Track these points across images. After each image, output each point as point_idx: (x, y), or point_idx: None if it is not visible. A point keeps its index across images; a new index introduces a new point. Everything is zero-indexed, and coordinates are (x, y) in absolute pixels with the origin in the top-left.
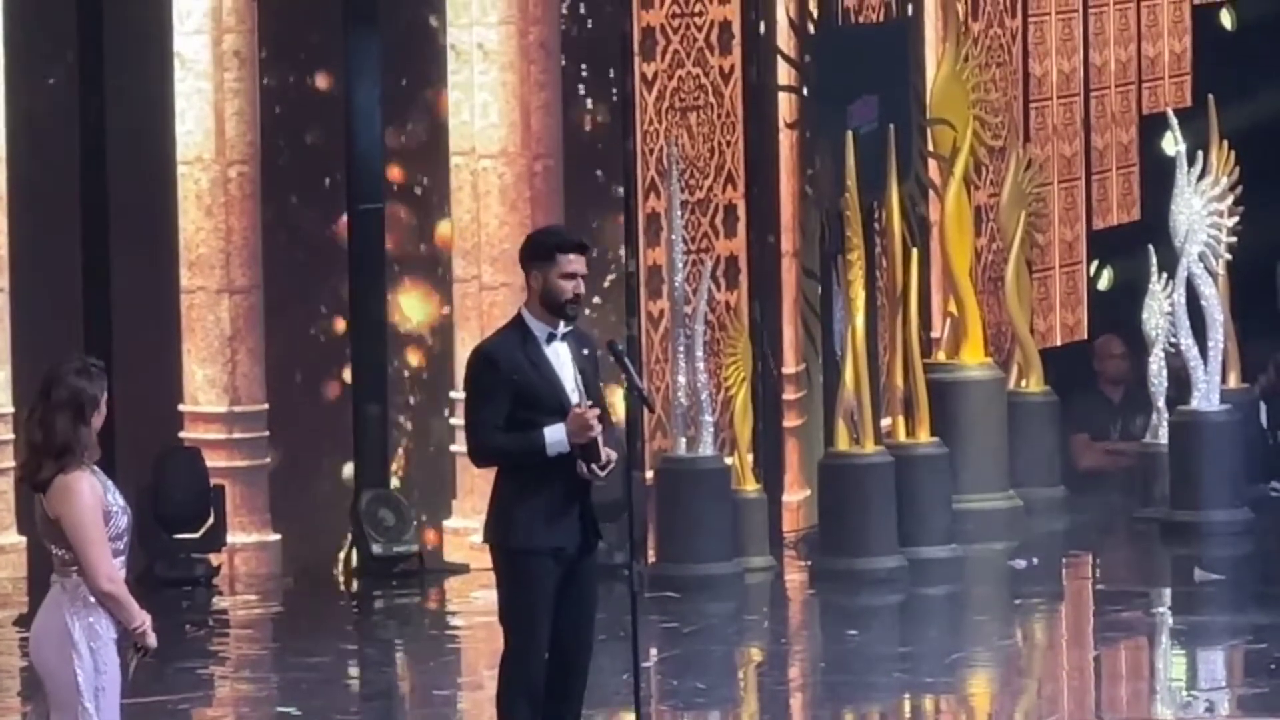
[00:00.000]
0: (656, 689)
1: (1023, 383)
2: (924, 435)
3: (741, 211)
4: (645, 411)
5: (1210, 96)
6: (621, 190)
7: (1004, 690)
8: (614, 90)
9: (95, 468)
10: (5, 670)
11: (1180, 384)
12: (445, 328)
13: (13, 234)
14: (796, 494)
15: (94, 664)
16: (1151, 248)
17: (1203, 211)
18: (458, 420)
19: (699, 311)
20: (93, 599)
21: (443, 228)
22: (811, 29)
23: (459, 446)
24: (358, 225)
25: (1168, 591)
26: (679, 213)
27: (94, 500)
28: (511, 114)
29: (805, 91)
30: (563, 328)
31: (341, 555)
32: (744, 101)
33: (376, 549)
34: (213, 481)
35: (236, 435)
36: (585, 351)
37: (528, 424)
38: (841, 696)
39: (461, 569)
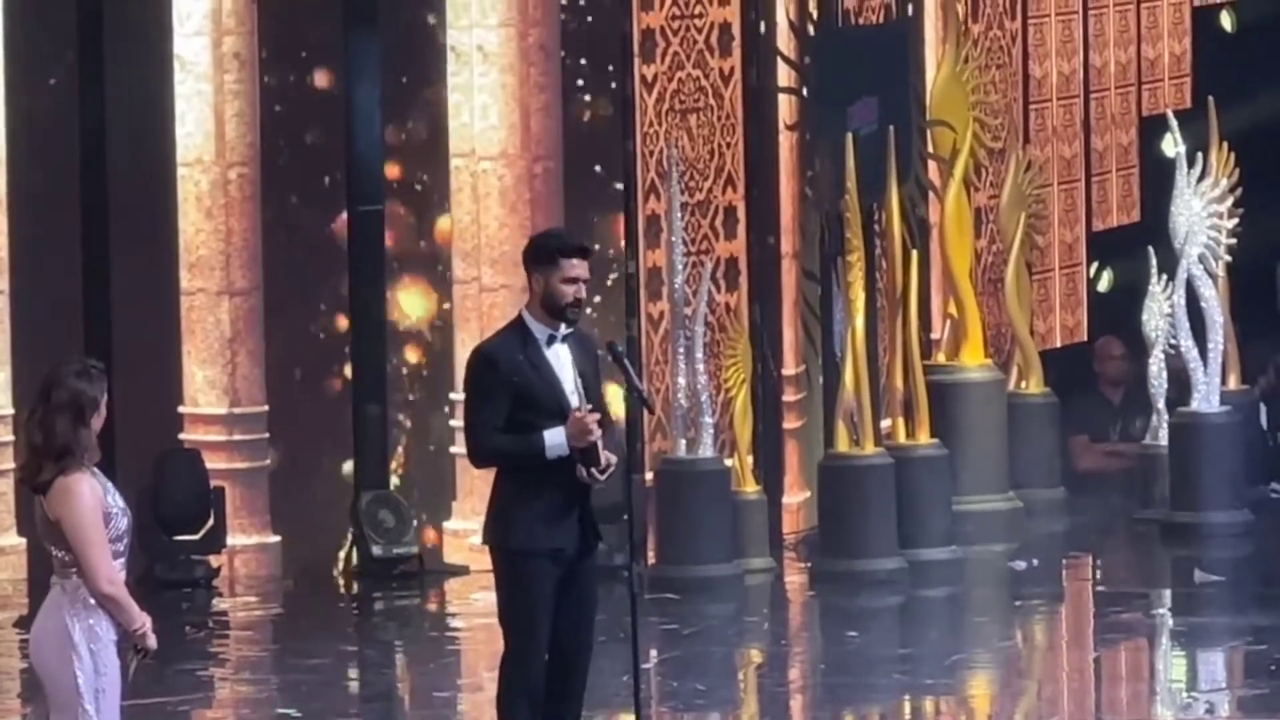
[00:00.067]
0: (656, 690)
1: (1022, 384)
2: (924, 437)
3: (741, 213)
4: (645, 413)
5: (1210, 98)
6: (620, 187)
7: (1004, 692)
8: (613, 84)
9: (95, 469)
10: (5, 672)
11: (1180, 385)
12: (445, 324)
13: (13, 236)
14: (796, 495)
15: (94, 666)
16: (1151, 249)
17: (1202, 213)
18: (458, 422)
19: (699, 313)
20: (93, 601)
21: (442, 223)
22: (811, 31)
23: (459, 448)
24: (357, 227)
25: (1168, 593)
26: (679, 214)
27: (94, 502)
28: (511, 116)
29: (805, 93)
30: (563, 330)
31: (341, 556)
32: (744, 103)
33: (376, 550)
34: (213, 483)
35: (236, 437)
36: (587, 354)
37: (527, 426)
38: (841, 698)
39: (461, 570)
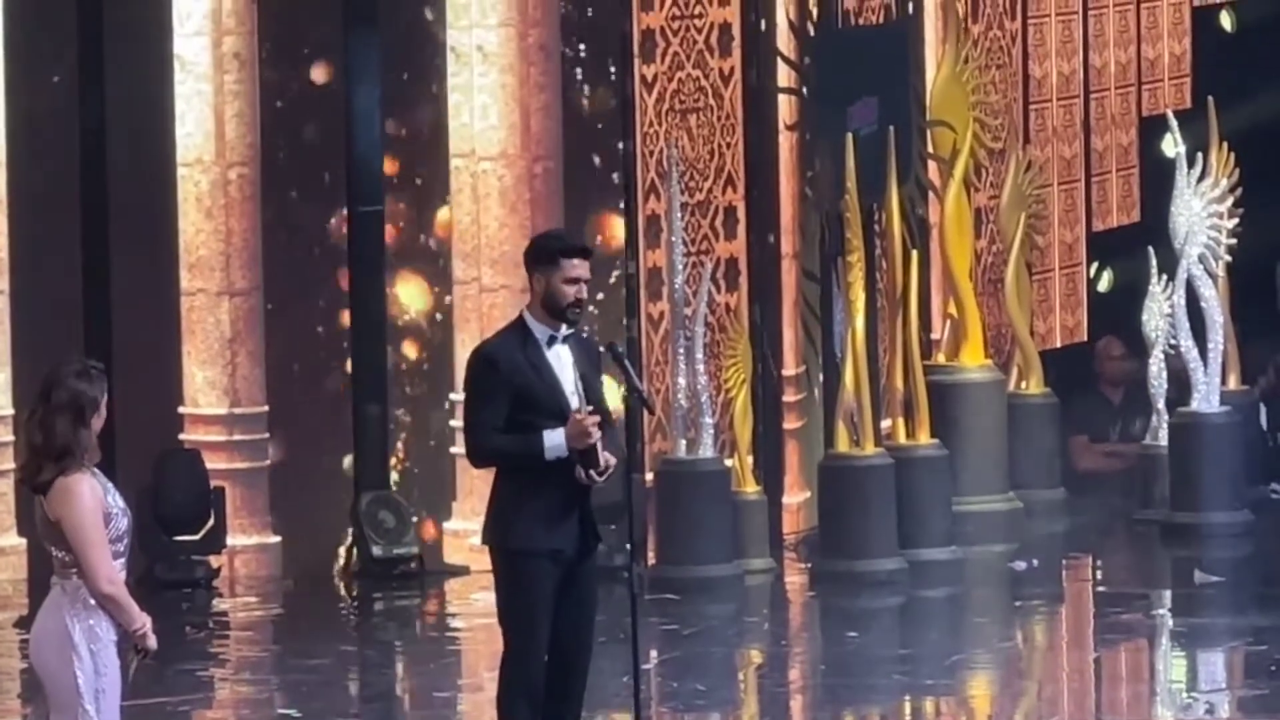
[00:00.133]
0: (656, 691)
1: (1022, 384)
2: (924, 437)
3: (741, 213)
4: (645, 414)
5: (1210, 98)
6: (616, 177)
7: (1004, 692)
8: (613, 70)
9: (95, 470)
10: (5, 672)
11: (1180, 386)
12: (444, 318)
13: (13, 236)
14: (796, 496)
15: (94, 666)
16: (1151, 249)
17: (1202, 213)
18: (458, 422)
19: (699, 313)
20: (93, 601)
21: (441, 215)
22: (811, 31)
23: (459, 449)
24: (357, 227)
25: (1168, 593)
26: (679, 215)
27: (94, 502)
28: (511, 116)
29: (805, 93)
30: (564, 331)
31: (341, 557)
32: (744, 103)
33: (376, 551)
34: (213, 483)
35: (236, 437)
36: (588, 355)
37: (526, 426)
38: (841, 699)
39: (461, 571)
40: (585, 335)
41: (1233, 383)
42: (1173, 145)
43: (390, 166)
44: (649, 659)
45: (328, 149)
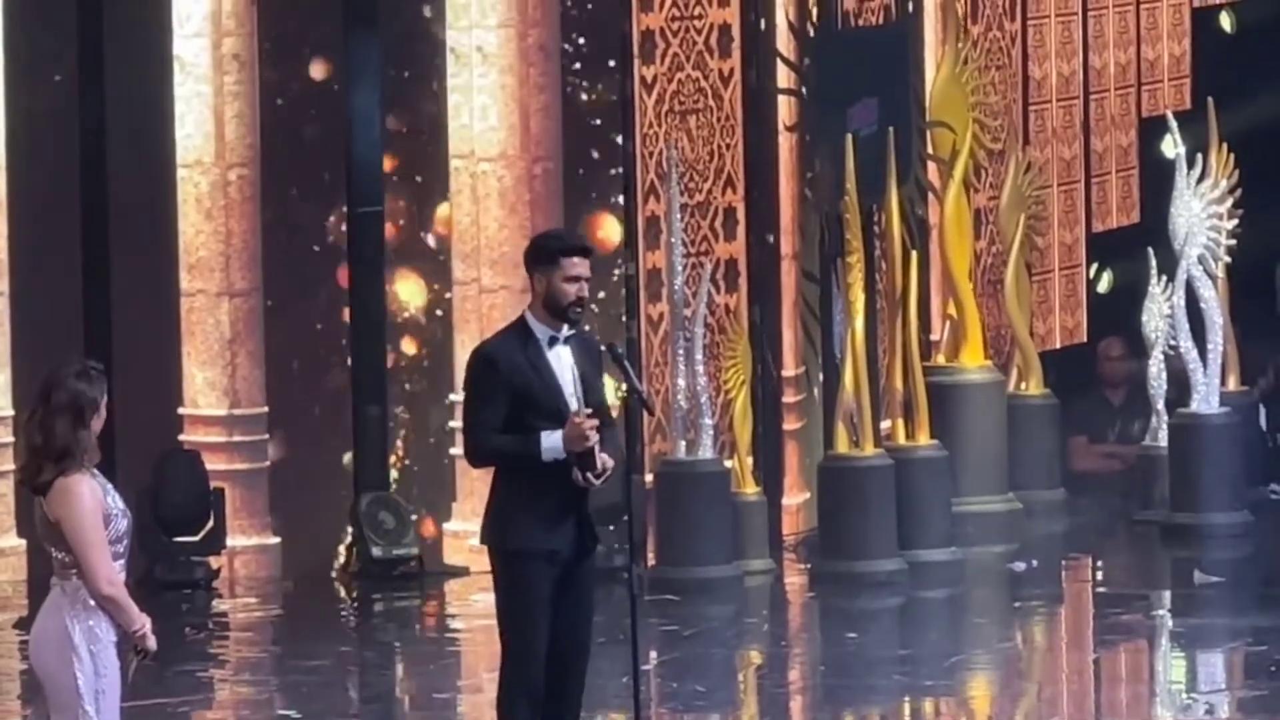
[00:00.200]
0: (656, 692)
1: (1022, 385)
2: (923, 438)
3: (741, 214)
4: (645, 415)
5: (1209, 99)
6: (614, 173)
7: (1004, 693)
8: (614, 60)
9: (95, 471)
10: (5, 673)
11: (1180, 387)
12: (444, 315)
13: (13, 237)
14: (796, 497)
15: (94, 667)
16: (1151, 250)
17: (1202, 214)
18: (458, 424)
19: (698, 314)
20: (93, 602)
21: (441, 211)
22: (811, 32)
23: (459, 450)
24: (357, 228)
25: (1167, 594)
26: (678, 216)
27: (94, 503)
28: (511, 117)
29: (805, 94)
30: (565, 331)
31: (341, 558)
32: (743, 104)
33: (376, 552)
34: (212, 484)
35: (236, 438)
36: (590, 357)
37: (525, 427)
38: (841, 699)
39: (461, 572)
40: (587, 335)
41: (1232, 384)
42: (1172, 146)
43: (390, 166)
44: (649, 660)
45: (327, 150)
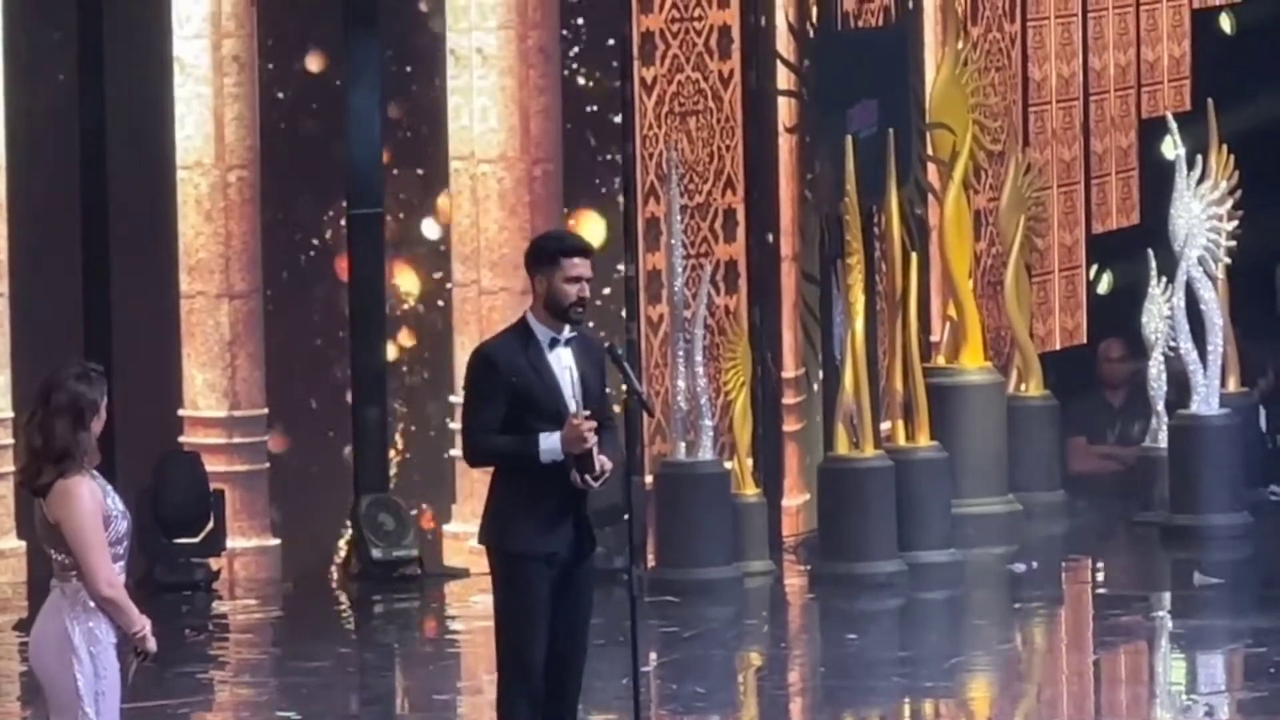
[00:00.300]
0: (656, 693)
1: (1022, 387)
2: (923, 439)
3: (741, 216)
4: (645, 416)
5: (1209, 100)
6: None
7: (1003, 695)
8: (614, 66)
9: (95, 472)
10: (5, 675)
11: (1180, 388)
12: (445, 304)
13: (13, 239)
14: (796, 498)
15: (94, 669)
16: (1151, 252)
17: (1202, 215)
18: (458, 424)
19: (698, 316)
20: (92, 604)
21: (441, 202)
22: (811, 33)
23: (459, 452)
24: (356, 229)
25: (1167, 595)
26: (678, 217)
27: (94, 505)
28: (510, 118)
29: (805, 96)
30: (567, 333)
31: (341, 559)
32: (743, 106)
33: (376, 553)
34: (212, 486)
35: (236, 440)
36: (591, 359)
37: (524, 427)
38: (841, 701)
39: (461, 573)
40: (590, 337)
41: (1232, 385)
42: (1172, 148)
43: (389, 158)
44: (648, 661)
45: (327, 151)
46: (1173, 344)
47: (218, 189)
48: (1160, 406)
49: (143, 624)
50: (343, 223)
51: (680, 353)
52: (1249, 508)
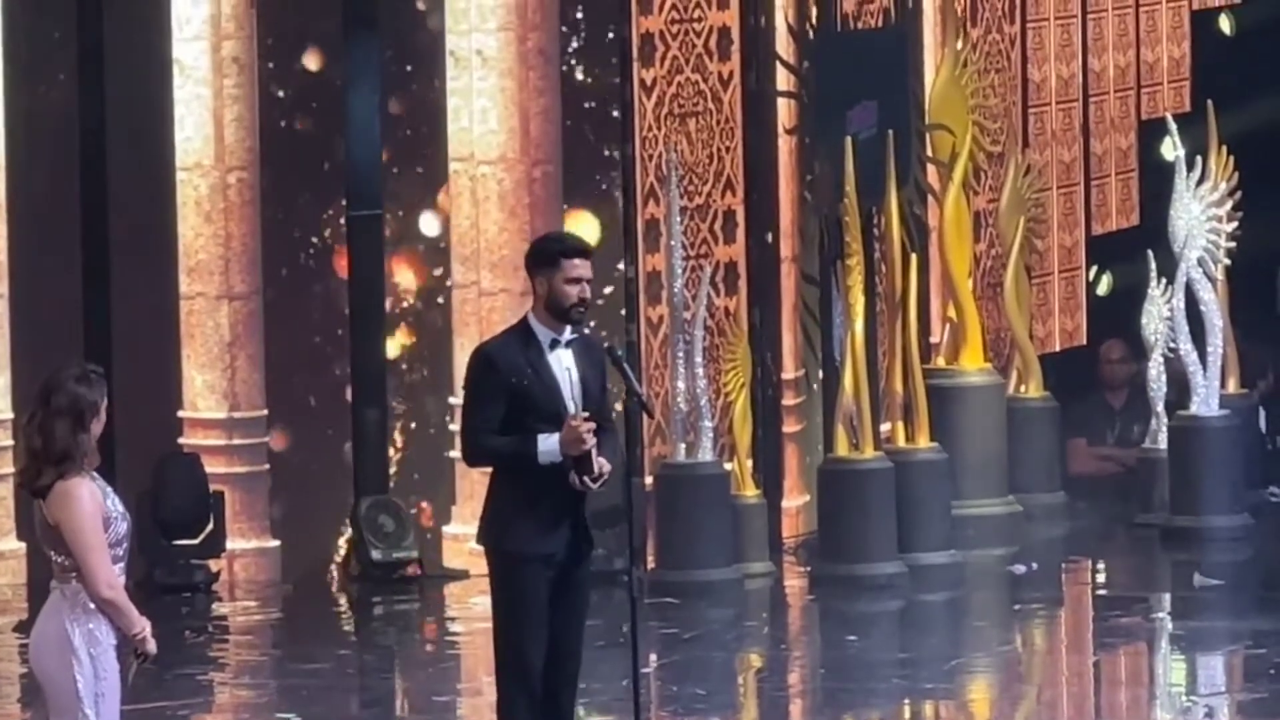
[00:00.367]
0: (656, 695)
1: (1022, 388)
2: (923, 441)
3: (741, 217)
4: (644, 417)
5: (1209, 102)
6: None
7: (1004, 696)
8: (613, 65)
9: (95, 474)
10: (5, 677)
11: (1180, 389)
12: (444, 301)
13: (12, 240)
14: (796, 499)
15: (94, 670)
16: (1150, 253)
17: (1202, 216)
18: (458, 425)
19: (698, 317)
20: (92, 605)
21: (441, 199)
22: (810, 34)
23: (458, 453)
24: (356, 230)
25: (1167, 597)
26: (678, 218)
27: (93, 506)
28: (510, 120)
29: (804, 97)
30: (568, 334)
31: (340, 561)
32: (743, 107)
33: (376, 555)
34: (212, 487)
35: (236, 441)
36: (592, 361)
37: (523, 428)
38: (841, 702)
39: (461, 575)
40: (591, 338)
41: (1232, 386)
42: (1172, 149)
43: (389, 164)
44: (648, 663)
45: (326, 152)
46: (1172, 345)
47: (217, 190)
48: (1160, 408)
49: (143, 626)
50: (342, 222)
51: (680, 354)
52: (1249, 509)
